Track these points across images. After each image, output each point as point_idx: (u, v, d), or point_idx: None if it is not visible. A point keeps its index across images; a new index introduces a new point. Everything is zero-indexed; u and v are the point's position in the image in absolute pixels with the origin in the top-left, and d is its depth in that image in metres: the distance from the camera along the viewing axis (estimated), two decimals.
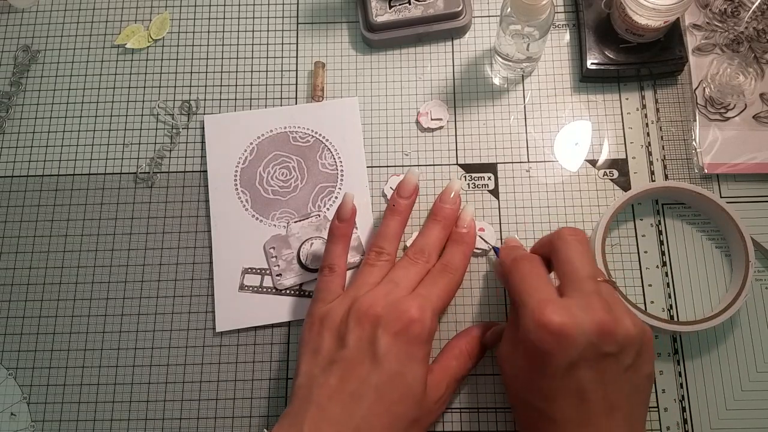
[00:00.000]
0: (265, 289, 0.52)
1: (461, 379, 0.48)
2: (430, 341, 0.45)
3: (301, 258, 0.52)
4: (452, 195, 0.51)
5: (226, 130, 0.56)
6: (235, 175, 0.55)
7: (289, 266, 0.52)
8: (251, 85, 0.58)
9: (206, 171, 0.55)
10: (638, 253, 0.52)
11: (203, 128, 0.56)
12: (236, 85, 0.58)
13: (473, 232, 0.51)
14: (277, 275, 0.52)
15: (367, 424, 0.41)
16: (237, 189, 0.54)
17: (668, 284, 0.52)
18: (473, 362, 0.48)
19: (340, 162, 0.55)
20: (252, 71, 0.58)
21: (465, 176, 0.55)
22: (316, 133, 0.56)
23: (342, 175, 0.55)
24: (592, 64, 0.55)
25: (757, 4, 0.57)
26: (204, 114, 0.57)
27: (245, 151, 0.55)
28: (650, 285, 0.52)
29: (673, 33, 0.55)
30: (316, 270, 0.52)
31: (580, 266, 0.43)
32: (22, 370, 0.51)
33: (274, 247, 0.53)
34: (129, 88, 0.58)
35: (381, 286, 0.46)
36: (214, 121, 0.56)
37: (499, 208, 0.54)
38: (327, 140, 0.56)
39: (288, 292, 0.52)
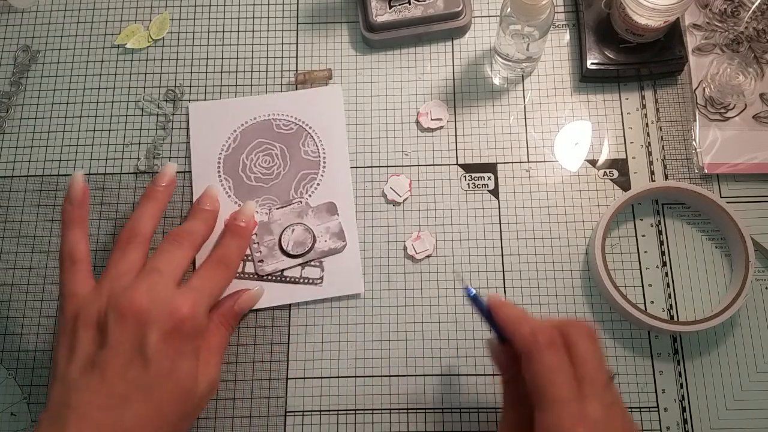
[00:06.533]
0: (246, 275, 0.52)
1: (224, 351, 0.47)
2: (202, 335, 0.44)
3: (283, 244, 0.52)
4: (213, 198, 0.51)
5: (211, 117, 0.56)
6: (219, 162, 0.55)
7: (270, 252, 0.53)
8: (251, 85, 0.58)
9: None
10: (638, 253, 0.52)
11: (188, 114, 0.56)
12: (236, 85, 0.58)
13: (251, 228, 0.51)
14: (258, 261, 0.52)
15: (137, 427, 0.39)
16: (220, 176, 0.55)
17: (668, 284, 0.52)
18: (230, 332, 0.48)
19: (323, 149, 0.55)
20: (252, 71, 0.58)
21: (465, 176, 0.55)
22: (299, 120, 0.56)
23: (324, 162, 0.55)
24: (592, 64, 0.55)
25: (757, 4, 0.57)
26: (189, 101, 0.57)
27: (229, 138, 0.56)
28: (650, 285, 0.52)
29: (673, 33, 0.55)
30: (298, 256, 0.52)
31: (599, 371, 0.40)
32: (22, 370, 0.51)
33: (256, 234, 0.53)
34: (129, 88, 0.58)
35: (143, 277, 0.43)
36: (198, 108, 0.57)
37: (499, 208, 0.54)
38: (310, 127, 0.56)
39: (269, 278, 0.52)
